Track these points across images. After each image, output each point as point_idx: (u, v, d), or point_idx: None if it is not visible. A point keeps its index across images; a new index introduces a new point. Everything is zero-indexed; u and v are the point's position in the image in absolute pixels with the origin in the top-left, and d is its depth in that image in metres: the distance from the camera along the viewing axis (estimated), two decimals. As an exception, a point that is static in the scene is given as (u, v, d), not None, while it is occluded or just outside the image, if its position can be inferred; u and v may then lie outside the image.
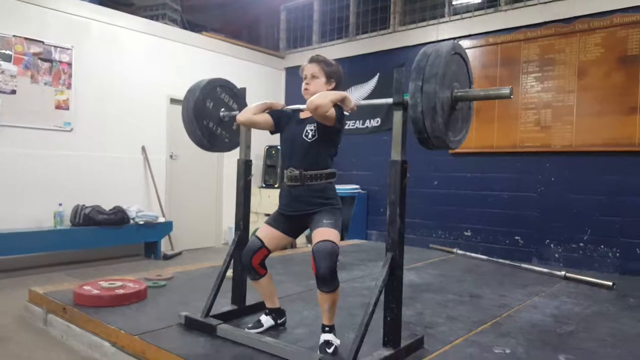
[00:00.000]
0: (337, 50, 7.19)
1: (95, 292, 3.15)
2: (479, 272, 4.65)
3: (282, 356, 2.31)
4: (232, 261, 2.91)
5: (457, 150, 5.93)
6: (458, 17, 6.11)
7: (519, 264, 4.89)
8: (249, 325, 2.72)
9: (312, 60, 2.56)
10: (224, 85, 2.97)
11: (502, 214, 5.63)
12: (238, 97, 3.05)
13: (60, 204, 5.09)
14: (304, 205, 2.50)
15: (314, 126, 2.47)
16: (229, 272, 2.92)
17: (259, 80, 7.37)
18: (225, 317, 2.79)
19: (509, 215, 5.58)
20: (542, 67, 5.37)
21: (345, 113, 2.45)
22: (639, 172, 4.78)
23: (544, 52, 5.38)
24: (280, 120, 2.67)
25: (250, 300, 3.03)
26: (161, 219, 5.83)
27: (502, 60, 5.65)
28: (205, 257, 5.99)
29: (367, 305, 2.23)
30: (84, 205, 5.24)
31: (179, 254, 6.09)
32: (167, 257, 5.83)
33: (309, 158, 2.49)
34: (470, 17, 5.98)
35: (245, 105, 2.92)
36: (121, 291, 3.20)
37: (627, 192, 4.84)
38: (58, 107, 5.27)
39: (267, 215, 6.93)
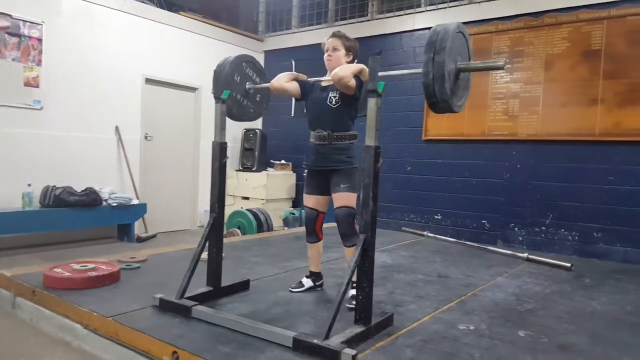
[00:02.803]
0: (316, 36, 7.20)
1: (67, 274, 3.08)
2: (448, 253, 4.83)
3: (258, 336, 2.35)
4: (207, 243, 2.94)
5: (429, 137, 6.14)
6: (434, 7, 6.22)
7: (485, 246, 5.10)
8: (292, 285, 3.21)
9: (334, 35, 2.96)
10: (248, 61, 3.19)
11: (471, 198, 5.83)
12: (260, 71, 3.27)
13: (29, 185, 5.00)
14: (329, 162, 2.94)
15: (337, 93, 2.87)
16: (204, 255, 2.95)
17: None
18: (200, 298, 2.80)
19: (477, 200, 5.78)
20: (511, 58, 5.53)
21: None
22: (598, 161, 5.02)
23: (514, 44, 5.53)
24: (305, 89, 3.07)
25: (225, 281, 3.08)
26: (135, 201, 5.79)
27: (475, 50, 5.68)
28: (181, 239, 5.99)
29: (340, 285, 2.33)
30: (54, 186, 5.13)
31: (154, 236, 6.07)
32: (140, 240, 5.81)
33: (334, 121, 2.91)
34: (445, 7, 6.10)
35: (267, 80, 3.20)
36: (94, 273, 3.13)
37: (587, 180, 5.08)
38: (27, 84, 5.14)
39: (245, 198, 7.07)
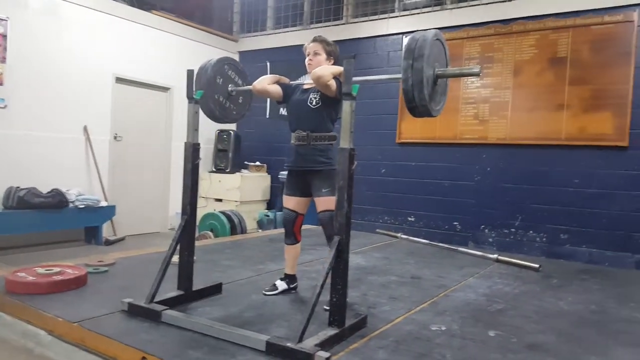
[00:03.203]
0: (290, 38, 7.21)
1: (31, 278, 2.96)
2: (421, 255, 4.87)
3: (230, 340, 2.31)
4: (178, 246, 2.89)
5: (403, 140, 6.20)
6: (407, 12, 6.31)
7: (456, 248, 5.16)
8: (266, 288, 3.16)
9: (315, 39, 2.99)
10: (230, 63, 3.20)
11: (443, 200, 5.91)
12: (242, 73, 3.27)
13: (-8, 186, 4.85)
14: (308, 162, 2.95)
15: (318, 95, 2.90)
16: (175, 258, 2.90)
17: (207, 63, 7.25)
18: (171, 302, 2.73)
19: (449, 202, 5.87)
20: (482, 64, 5.65)
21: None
22: (565, 164, 5.17)
23: (484, 50, 5.65)
24: (287, 91, 3.09)
25: (197, 285, 3.03)
26: (103, 203, 5.67)
27: (446, 55, 5.87)
28: (150, 242, 5.87)
29: (315, 287, 2.31)
30: (18, 187, 4.97)
31: (122, 239, 5.95)
32: (109, 243, 5.69)
33: (314, 122, 2.92)
34: (418, 13, 6.20)
35: (248, 82, 3.22)
36: (59, 277, 3.02)
37: (554, 182, 5.22)
38: (-10, 82, 4.98)
39: (218, 200, 6.99)
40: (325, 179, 2.91)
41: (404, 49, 2.23)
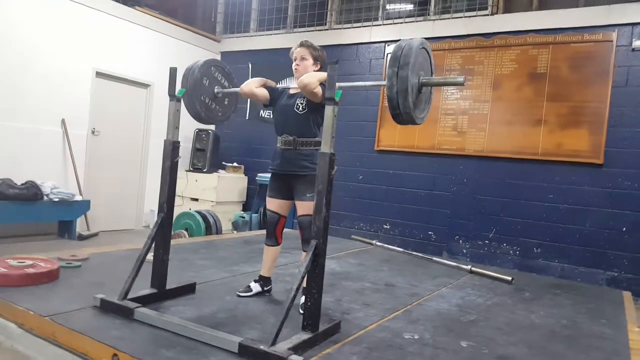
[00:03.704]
0: (274, 41, 7.21)
1: (2, 270, 2.91)
2: (395, 262, 4.91)
3: (203, 340, 2.29)
4: (153, 244, 2.86)
5: (381, 148, 6.25)
6: (390, 21, 6.37)
7: (430, 257, 5.21)
8: (240, 290, 3.15)
9: (302, 44, 3.01)
10: (217, 65, 3.20)
11: (419, 210, 5.97)
12: (229, 76, 3.28)
13: (-37, 176, 4.72)
14: (293, 167, 2.96)
15: (304, 100, 2.92)
16: (149, 256, 2.87)
17: (192, 61, 7.17)
18: (144, 300, 2.70)
19: (425, 211, 5.93)
20: (462, 76, 5.71)
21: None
22: (540, 179, 5.28)
23: (465, 62, 5.75)
24: (274, 95, 3.11)
25: (170, 283, 3.00)
26: (78, 197, 5.57)
27: (429, 65, 5.95)
28: (124, 239, 5.79)
29: (290, 291, 2.31)
30: (-9, 178, 4.88)
31: (96, 234, 5.85)
32: (82, 238, 5.58)
33: (300, 127, 2.95)
34: (401, 22, 6.27)
35: (234, 84, 3.25)
36: (31, 270, 2.98)
37: (529, 196, 5.33)
38: (-35, 70, 4.86)
39: (194, 199, 6.93)
40: (309, 184, 2.90)
41: (389, 57, 2.26)
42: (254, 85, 3.06)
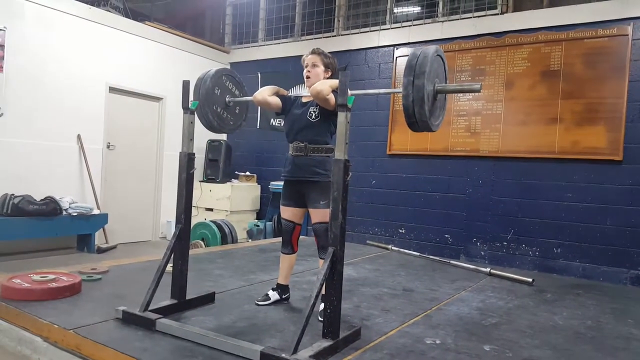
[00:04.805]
0: (282, 49, 7.25)
1: (26, 285, 2.98)
2: (412, 267, 4.87)
3: (224, 350, 2.30)
4: (172, 255, 2.88)
5: (394, 152, 6.24)
6: (398, 25, 6.36)
7: (448, 261, 5.17)
8: (258, 298, 3.17)
9: (313, 51, 3.03)
10: (228, 74, 3.23)
11: (434, 213, 5.93)
12: (239, 84, 3.31)
13: (-15, 193, 4.82)
14: (304, 173, 2.97)
15: (317, 108, 2.94)
16: (169, 267, 2.89)
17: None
18: (164, 311, 2.73)
19: (440, 214, 5.89)
20: (473, 77, 5.70)
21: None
22: (558, 177, 5.21)
23: (476, 62, 5.72)
24: (286, 104, 3.13)
25: (189, 294, 3.01)
26: (96, 211, 5.64)
27: (439, 67, 5.93)
28: (142, 251, 5.85)
29: (309, 298, 2.30)
30: (13, 194, 4.97)
31: (114, 247, 5.91)
32: (101, 251, 5.65)
33: (312, 134, 2.97)
34: (410, 25, 6.25)
35: (245, 93, 3.31)
36: (54, 284, 3.04)
37: (546, 196, 5.26)
38: (-14, 90, 4.97)
39: (209, 209, 6.97)
40: (322, 192, 2.92)
41: (405, 65, 2.23)
42: (266, 94, 3.08)
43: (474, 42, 5.75)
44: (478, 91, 2.29)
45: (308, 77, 3.02)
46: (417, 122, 2.25)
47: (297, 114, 3.05)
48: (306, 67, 3.04)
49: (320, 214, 2.92)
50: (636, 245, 4.84)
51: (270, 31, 7.63)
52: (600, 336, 2.99)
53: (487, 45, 5.66)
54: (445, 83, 2.43)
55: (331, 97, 2.78)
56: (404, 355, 2.44)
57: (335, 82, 2.80)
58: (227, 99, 3.19)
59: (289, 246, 3.17)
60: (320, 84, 2.79)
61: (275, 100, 3.11)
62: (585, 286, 4.50)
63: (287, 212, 3.13)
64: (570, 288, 4.37)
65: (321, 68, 3.01)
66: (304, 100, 3.11)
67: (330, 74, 3.04)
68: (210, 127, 3.14)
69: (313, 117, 2.97)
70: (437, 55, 2.31)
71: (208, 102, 3.05)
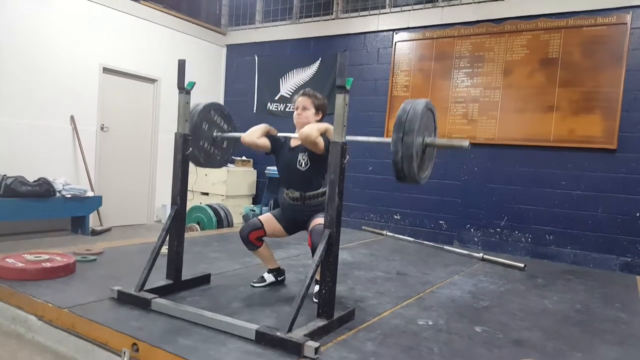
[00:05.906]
0: (280, 32, 7.19)
1: (20, 265, 2.99)
2: (406, 252, 4.92)
3: (220, 329, 2.33)
4: (167, 236, 2.89)
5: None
6: (398, 9, 6.31)
7: (441, 246, 5.22)
8: (254, 280, 3.23)
9: (304, 94, 3.02)
10: (216, 108, 3.19)
11: (429, 199, 5.96)
12: (227, 117, 3.27)
13: (-22, 173, 4.77)
14: (305, 215, 3.01)
15: (306, 155, 2.92)
16: (164, 249, 2.90)
17: (198, 54, 7.22)
18: (160, 291, 2.75)
19: (435, 200, 5.91)
20: (472, 63, 5.68)
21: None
22: (552, 166, 5.23)
23: (475, 49, 5.69)
24: (275, 145, 3.09)
25: (185, 275, 3.03)
26: (90, 193, 5.61)
27: (437, 54, 5.92)
28: (136, 233, 5.85)
29: (305, 279, 2.33)
30: (5, 175, 4.91)
31: (108, 230, 5.90)
32: (95, 233, 5.64)
33: (305, 183, 2.97)
34: (409, 10, 6.20)
35: (233, 126, 3.30)
36: (48, 264, 3.05)
37: (541, 184, 5.29)
38: (-24, 69, 4.90)
39: (204, 194, 6.96)
40: (321, 212, 2.90)
41: (395, 120, 2.24)
42: (255, 136, 3.02)
43: (473, 28, 5.71)
44: (467, 148, 2.25)
45: (299, 120, 2.98)
46: (406, 177, 2.29)
47: (287, 160, 3.03)
48: (296, 109, 3.00)
49: (318, 219, 2.88)
50: (626, 233, 4.89)
51: (267, 13, 7.55)
52: (588, 319, 3.05)
53: (487, 32, 5.63)
54: (435, 134, 2.45)
55: (320, 141, 2.74)
56: (397, 335, 2.47)
57: (323, 126, 2.80)
58: (214, 134, 3.14)
59: (249, 244, 3.10)
60: (308, 128, 2.74)
61: (264, 142, 3.05)
62: (576, 272, 4.56)
63: (268, 219, 3.10)
64: (561, 274, 4.43)
65: (311, 111, 2.97)
66: (292, 144, 3.06)
67: (320, 116, 3.01)
68: (196, 161, 3.10)
69: (303, 165, 2.94)
70: (428, 109, 2.31)
71: (195, 137, 2.99)
